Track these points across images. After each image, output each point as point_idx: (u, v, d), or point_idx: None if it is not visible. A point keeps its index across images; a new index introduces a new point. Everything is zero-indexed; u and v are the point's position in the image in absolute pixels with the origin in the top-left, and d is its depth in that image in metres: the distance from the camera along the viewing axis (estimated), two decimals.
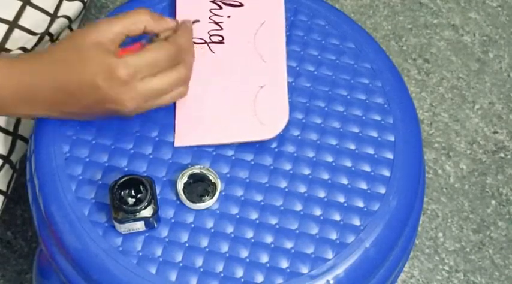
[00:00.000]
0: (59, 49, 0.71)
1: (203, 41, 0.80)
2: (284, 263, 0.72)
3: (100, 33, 0.70)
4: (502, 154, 1.33)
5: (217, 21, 0.81)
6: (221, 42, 0.80)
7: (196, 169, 0.74)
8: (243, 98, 0.78)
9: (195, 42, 0.80)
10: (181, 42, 0.72)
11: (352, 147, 0.78)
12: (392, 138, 0.79)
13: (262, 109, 0.77)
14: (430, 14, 1.44)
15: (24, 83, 0.70)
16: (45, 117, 0.74)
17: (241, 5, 0.82)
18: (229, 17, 0.81)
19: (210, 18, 0.81)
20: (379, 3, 1.44)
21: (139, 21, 0.71)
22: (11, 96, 0.71)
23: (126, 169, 0.75)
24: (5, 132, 0.84)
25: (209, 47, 0.80)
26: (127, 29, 0.71)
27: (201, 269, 0.71)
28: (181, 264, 0.71)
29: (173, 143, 0.76)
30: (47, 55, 0.71)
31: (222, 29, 0.81)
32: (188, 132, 0.76)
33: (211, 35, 0.80)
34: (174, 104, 0.77)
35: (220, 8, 0.82)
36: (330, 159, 0.77)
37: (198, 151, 0.76)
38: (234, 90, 0.78)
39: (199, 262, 0.72)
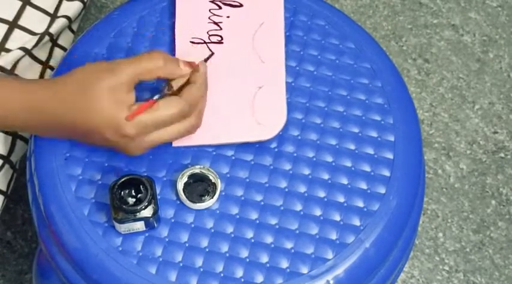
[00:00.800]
0: (71, 90, 0.70)
1: (202, 41, 0.80)
2: (284, 263, 0.72)
3: (114, 77, 0.69)
4: (502, 154, 1.33)
5: (216, 21, 0.81)
6: (220, 42, 0.80)
7: (196, 169, 0.74)
8: (241, 98, 0.78)
9: (193, 42, 0.80)
10: (194, 94, 0.71)
11: (352, 147, 0.78)
12: (392, 138, 0.79)
13: (260, 110, 0.77)
14: (430, 14, 1.44)
15: (34, 116, 0.71)
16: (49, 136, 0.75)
17: (241, 5, 0.82)
18: (228, 17, 0.82)
19: (209, 18, 0.81)
20: (379, 3, 1.44)
21: (153, 68, 0.70)
22: (21, 122, 0.72)
23: (126, 169, 0.75)
24: (5, 132, 0.84)
25: (208, 47, 0.80)
26: (141, 75, 0.70)
27: (201, 269, 0.71)
28: (181, 264, 0.71)
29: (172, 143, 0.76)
30: (60, 94, 0.70)
31: (221, 29, 0.81)
32: None
33: (210, 35, 0.80)
34: None
35: (220, 8, 0.82)
36: (329, 159, 0.77)
37: (198, 151, 0.76)
38: (233, 91, 0.78)
39: (199, 262, 0.72)
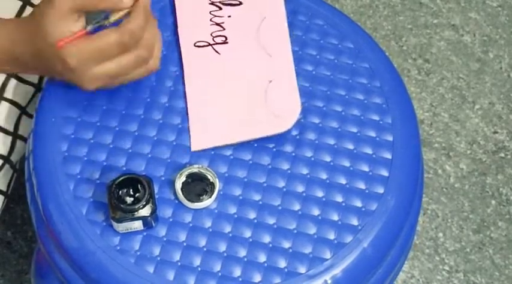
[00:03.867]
0: (28, 29, 0.72)
1: (207, 44, 0.80)
2: (282, 263, 0.72)
3: (55, 9, 0.70)
4: (502, 154, 1.33)
5: (218, 22, 0.81)
6: (225, 42, 0.80)
7: (194, 169, 0.74)
8: (254, 94, 0.78)
9: (198, 46, 0.80)
10: (132, 27, 0.70)
11: (351, 146, 0.78)
12: (390, 138, 0.79)
13: (274, 102, 0.77)
14: (430, 14, 1.44)
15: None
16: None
17: (240, 3, 0.82)
18: (229, 16, 0.82)
19: (211, 20, 0.82)
20: (379, 3, 1.44)
21: None
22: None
23: (124, 168, 0.75)
24: (5, 132, 0.84)
25: (213, 49, 0.80)
26: (83, 5, 0.70)
27: (199, 269, 0.71)
28: (179, 263, 0.71)
29: (172, 142, 0.76)
30: (17, 34, 0.73)
31: (224, 29, 0.81)
32: (204, 135, 0.76)
33: (214, 37, 0.81)
34: (186, 108, 0.77)
35: (220, 8, 0.82)
36: (328, 158, 0.77)
37: (196, 151, 0.76)
38: (244, 88, 0.78)
39: (197, 261, 0.72)
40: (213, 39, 0.81)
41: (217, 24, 0.81)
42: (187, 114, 0.77)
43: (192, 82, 0.79)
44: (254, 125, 0.77)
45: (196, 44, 0.80)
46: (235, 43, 0.80)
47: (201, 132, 0.76)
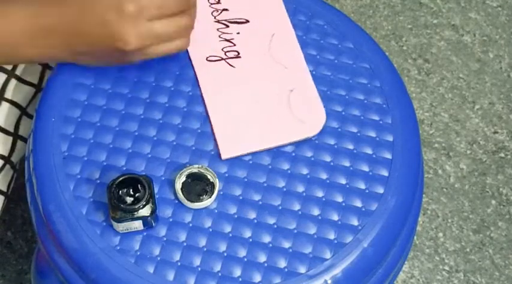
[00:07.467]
0: None
1: (219, 58, 0.80)
2: (282, 263, 0.72)
3: None
4: (502, 154, 1.33)
5: (227, 38, 0.82)
6: (237, 56, 0.81)
7: (194, 169, 0.74)
8: (277, 102, 0.78)
9: (210, 60, 0.80)
10: None
11: (351, 146, 0.78)
12: (390, 138, 0.79)
13: (299, 109, 0.78)
14: (430, 14, 1.44)
15: (38, 24, 0.71)
16: (56, 59, 0.75)
17: (247, 21, 0.83)
18: (238, 33, 0.82)
19: (219, 36, 0.82)
20: (379, 3, 1.44)
21: None
22: (26, 35, 0.72)
23: (124, 168, 0.75)
24: (5, 132, 0.84)
25: (227, 62, 0.80)
26: None
27: (199, 269, 0.71)
28: (179, 263, 0.71)
29: (172, 142, 0.76)
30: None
31: (234, 45, 0.81)
32: (232, 143, 0.76)
33: (226, 52, 0.81)
34: (207, 116, 0.77)
35: (227, 26, 0.82)
36: (328, 158, 0.77)
37: (196, 151, 0.76)
38: (265, 96, 0.79)
39: (197, 261, 0.72)
40: (225, 54, 0.81)
41: (227, 40, 0.81)
42: (210, 122, 0.77)
43: (209, 94, 0.79)
44: (281, 131, 0.77)
45: (208, 59, 0.80)
46: (249, 57, 0.81)
47: (229, 140, 0.76)
